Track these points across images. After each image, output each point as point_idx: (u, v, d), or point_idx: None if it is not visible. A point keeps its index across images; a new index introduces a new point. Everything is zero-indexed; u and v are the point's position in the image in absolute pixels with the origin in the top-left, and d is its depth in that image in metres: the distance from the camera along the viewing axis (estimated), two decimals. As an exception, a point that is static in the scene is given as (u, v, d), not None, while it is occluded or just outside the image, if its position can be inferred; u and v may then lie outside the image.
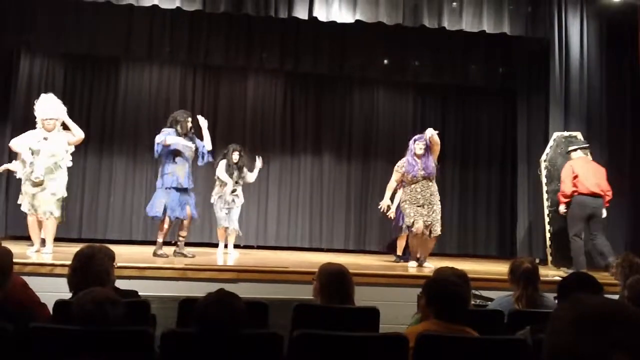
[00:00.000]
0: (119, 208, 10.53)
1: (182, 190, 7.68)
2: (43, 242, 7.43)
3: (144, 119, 10.74)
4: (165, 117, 10.62)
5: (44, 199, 7.21)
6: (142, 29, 9.69)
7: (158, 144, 7.63)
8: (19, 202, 7.73)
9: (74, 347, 2.77)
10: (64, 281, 3.58)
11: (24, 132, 10.07)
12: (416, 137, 8.04)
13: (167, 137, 7.62)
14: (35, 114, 7.39)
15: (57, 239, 7.85)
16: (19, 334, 2.71)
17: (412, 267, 7.89)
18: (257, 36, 10.05)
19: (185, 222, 7.85)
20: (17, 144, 7.46)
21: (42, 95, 7.57)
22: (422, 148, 7.82)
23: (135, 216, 10.54)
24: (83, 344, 2.77)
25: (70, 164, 7.53)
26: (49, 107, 7.30)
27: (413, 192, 7.83)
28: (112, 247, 3.84)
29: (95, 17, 9.42)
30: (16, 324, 2.74)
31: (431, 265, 7.68)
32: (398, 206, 8.36)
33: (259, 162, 8.72)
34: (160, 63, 10.77)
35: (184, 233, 7.92)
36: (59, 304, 3.38)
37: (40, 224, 7.36)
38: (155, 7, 8.46)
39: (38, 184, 7.17)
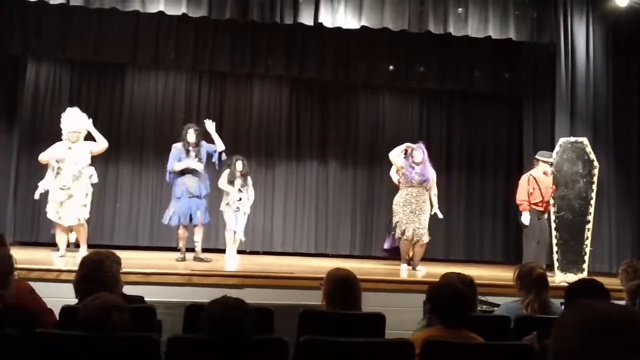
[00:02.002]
0: (125, 214, 10.56)
1: (193, 197, 7.94)
2: (70, 245, 7.83)
3: (150, 125, 10.79)
4: (171, 123, 10.79)
5: (71, 206, 7.52)
6: (148, 36, 9.71)
7: (169, 172, 8.13)
8: (47, 209, 7.85)
9: (79, 353, 2.77)
10: (70, 287, 3.59)
11: (30, 138, 10.22)
12: (413, 146, 8.30)
13: (175, 164, 8.03)
14: (62, 126, 7.76)
15: (54, 245, 8.04)
16: (25, 339, 2.71)
17: (403, 270, 8.05)
18: (262, 42, 10.05)
19: (197, 228, 8.11)
20: (44, 155, 7.78)
21: (68, 109, 7.93)
22: (420, 157, 8.14)
23: (141, 222, 10.58)
24: (89, 350, 2.77)
25: (95, 179, 7.88)
26: (72, 120, 7.71)
27: (408, 196, 8.12)
28: (118, 252, 3.84)
29: (100, 23, 9.45)
30: (22, 330, 2.75)
31: (423, 269, 8.09)
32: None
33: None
34: (166, 69, 10.81)
35: (197, 238, 8.16)
36: (65, 309, 3.39)
37: (66, 230, 7.66)
38: (161, 13, 8.49)
39: (61, 190, 7.49)
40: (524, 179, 8.29)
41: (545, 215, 8.31)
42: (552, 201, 8.50)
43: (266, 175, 10.85)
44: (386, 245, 9.31)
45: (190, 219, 8.03)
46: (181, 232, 8.12)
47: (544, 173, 8.15)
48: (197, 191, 7.99)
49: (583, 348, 1.22)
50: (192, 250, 8.24)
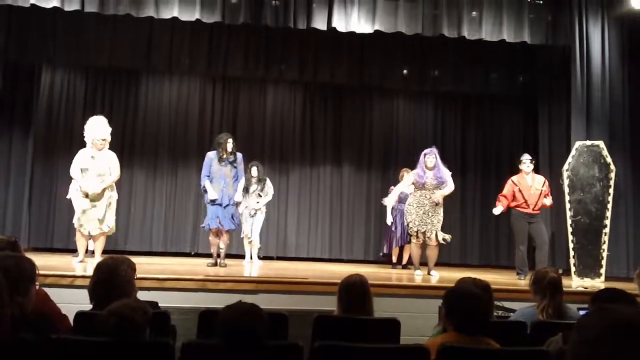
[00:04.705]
0: (139, 219, 10.59)
1: (219, 205, 8.17)
2: (87, 252, 7.90)
3: (164, 130, 10.84)
4: (185, 128, 10.83)
5: (92, 217, 7.65)
6: (162, 42, 9.73)
7: (203, 186, 8.38)
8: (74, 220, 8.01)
9: (94, 359, 2.77)
10: (84, 293, 3.59)
11: (46, 144, 10.29)
12: (426, 151, 8.26)
13: (205, 182, 8.29)
14: (86, 133, 7.86)
15: (74, 250, 8.17)
16: (40, 345, 2.71)
17: (418, 276, 8.02)
18: (276, 47, 10.05)
19: (223, 234, 8.30)
20: (73, 170, 7.82)
21: (95, 117, 8.03)
22: (433, 162, 8.09)
23: (155, 227, 10.61)
24: (104, 355, 2.77)
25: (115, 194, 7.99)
26: (100, 128, 7.82)
27: (422, 197, 8.04)
28: (132, 258, 3.84)
29: (115, 30, 9.49)
30: (37, 335, 2.75)
31: (437, 274, 8.07)
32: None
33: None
34: (180, 75, 10.85)
35: (221, 244, 8.35)
36: (80, 315, 3.39)
37: (86, 237, 7.77)
38: (175, 19, 8.52)
39: (86, 198, 7.61)
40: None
41: (541, 218, 8.51)
42: (568, 205, 8.46)
43: (280, 180, 10.84)
44: (385, 250, 9.74)
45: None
46: (211, 238, 8.37)
47: (523, 172, 8.56)
48: (219, 200, 8.17)
49: (608, 351, 1.20)
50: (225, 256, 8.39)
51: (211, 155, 8.38)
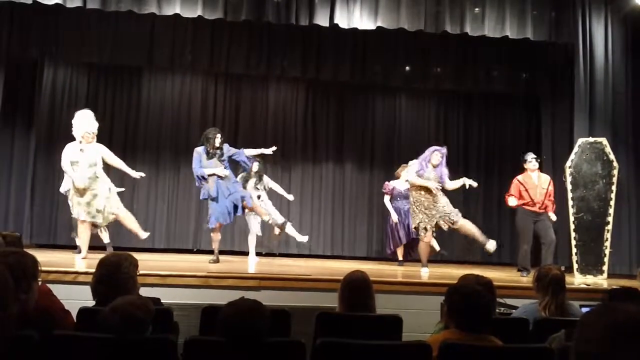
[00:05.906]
0: (141, 216, 10.58)
1: (215, 199, 8.09)
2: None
3: (166, 127, 10.85)
4: (187, 125, 10.82)
5: (99, 204, 7.70)
6: (164, 38, 9.73)
7: (197, 176, 8.17)
8: (73, 215, 7.93)
9: (98, 355, 2.78)
10: (87, 289, 3.59)
11: (48, 141, 10.29)
12: (437, 147, 8.26)
13: (202, 170, 8.09)
14: (75, 127, 7.82)
15: (75, 247, 8.27)
16: (43, 341, 2.72)
17: (424, 273, 8.00)
18: (278, 44, 10.04)
19: (247, 212, 8.40)
20: (64, 164, 7.80)
21: (82, 111, 7.99)
22: (438, 160, 8.09)
23: (158, 224, 10.62)
24: (107, 351, 2.77)
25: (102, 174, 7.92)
26: (89, 121, 7.82)
27: (419, 195, 8.09)
28: (135, 254, 3.84)
29: (117, 26, 9.50)
30: (40, 331, 2.75)
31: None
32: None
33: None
34: (182, 72, 10.85)
35: (262, 218, 8.55)
36: (83, 311, 3.39)
37: (95, 228, 7.88)
38: (177, 15, 8.51)
39: (83, 191, 7.60)
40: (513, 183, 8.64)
41: (547, 216, 8.43)
42: (571, 202, 8.45)
43: (282, 177, 10.84)
44: (389, 250, 9.75)
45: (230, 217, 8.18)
46: (213, 234, 8.26)
47: (529, 171, 8.52)
48: (215, 193, 8.07)
49: (608, 349, 1.20)
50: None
51: (200, 150, 8.23)
